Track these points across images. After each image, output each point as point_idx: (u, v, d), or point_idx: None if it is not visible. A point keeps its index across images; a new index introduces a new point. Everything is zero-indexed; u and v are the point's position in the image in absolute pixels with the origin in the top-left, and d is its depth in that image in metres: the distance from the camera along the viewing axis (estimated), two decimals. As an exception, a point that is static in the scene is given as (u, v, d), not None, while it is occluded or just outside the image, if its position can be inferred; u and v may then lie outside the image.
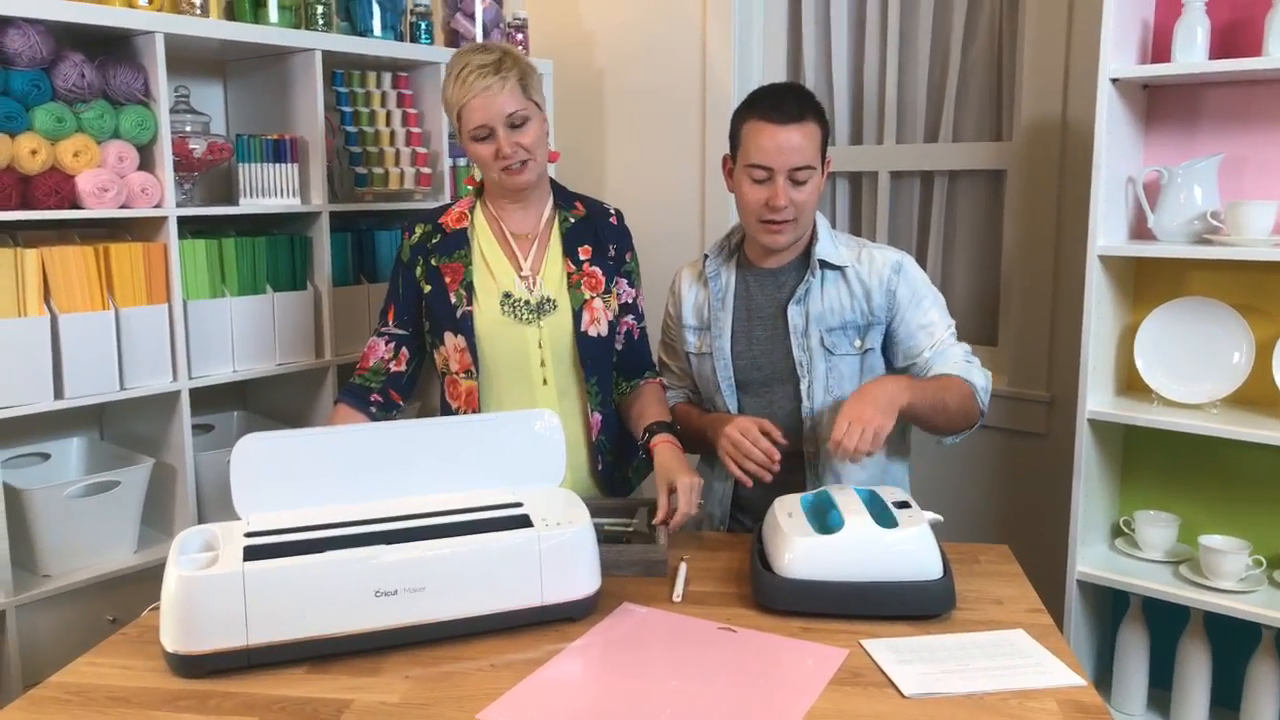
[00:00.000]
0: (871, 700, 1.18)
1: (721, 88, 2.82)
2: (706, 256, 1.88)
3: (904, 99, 2.68)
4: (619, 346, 1.86)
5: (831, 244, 1.80)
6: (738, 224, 1.87)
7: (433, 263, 1.80)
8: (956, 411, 1.71)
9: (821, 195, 1.81)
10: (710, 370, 1.84)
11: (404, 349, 1.85)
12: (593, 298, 1.79)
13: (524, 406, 1.77)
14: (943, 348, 1.76)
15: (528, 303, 1.77)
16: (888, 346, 1.80)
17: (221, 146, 2.24)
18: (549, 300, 1.78)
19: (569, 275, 1.79)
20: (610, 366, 1.85)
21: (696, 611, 1.42)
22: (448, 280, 1.79)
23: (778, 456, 1.64)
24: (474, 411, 1.79)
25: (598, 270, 1.81)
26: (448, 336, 1.79)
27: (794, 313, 1.78)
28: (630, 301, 1.87)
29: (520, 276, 1.79)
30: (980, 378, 1.75)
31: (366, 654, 1.28)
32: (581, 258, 1.81)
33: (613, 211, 1.89)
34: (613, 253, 1.84)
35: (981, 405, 1.75)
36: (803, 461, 1.80)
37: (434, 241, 1.82)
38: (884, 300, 1.77)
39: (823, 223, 1.83)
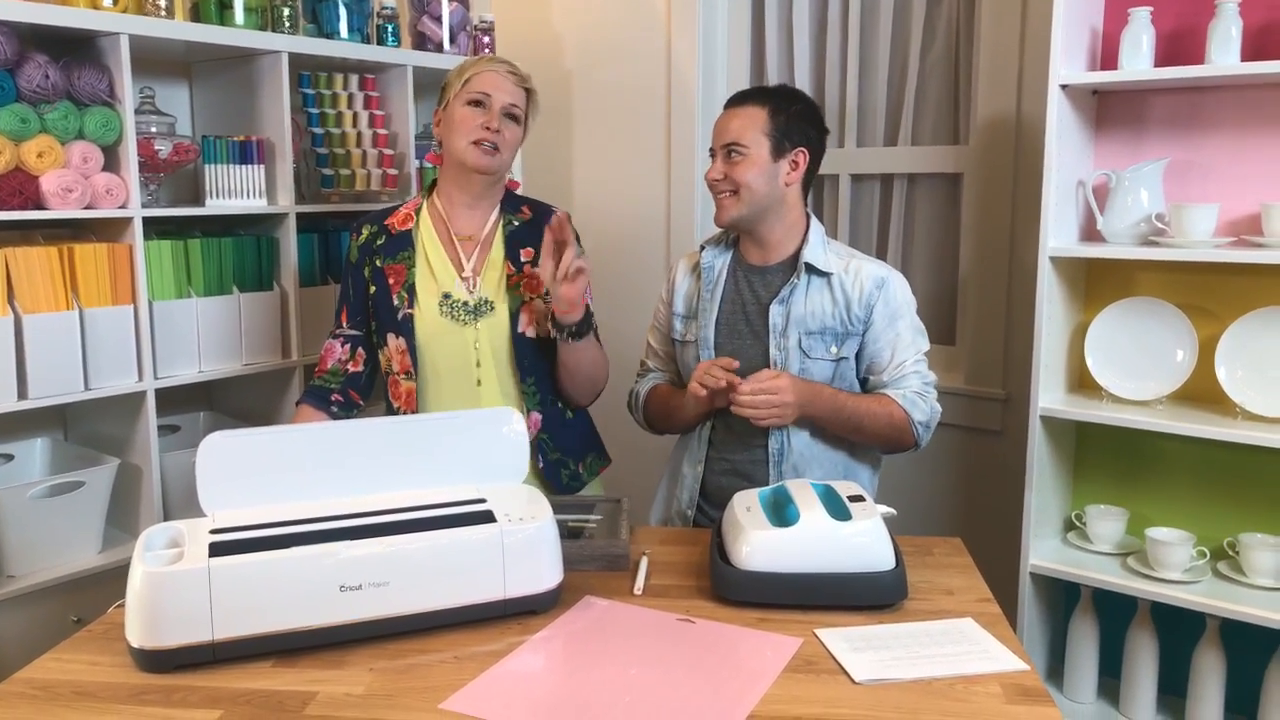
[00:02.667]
0: (824, 686, 1.22)
1: (686, 90, 2.86)
2: (703, 247, 1.93)
3: (864, 103, 2.73)
4: None
5: (822, 250, 1.85)
6: None
7: (377, 263, 1.83)
8: (875, 437, 1.82)
9: (795, 194, 1.85)
10: (693, 358, 1.89)
11: (360, 349, 1.87)
12: (532, 299, 1.82)
13: (462, 407, 1.79)
14: (902, 373, 1.82)
15: (465, 304, 1.81)
16: (857, 355, 1.85)
17: (187, 148, 2.25)
18: (486, 302, 1.81)
19: (508, 277, 1.83)
20: (551, 366, 1.86)
21: (657, 604, 1.45)
22: (391, 282, 1.82)
23: (736, 365, 1.76)
24: (413, 412, 1.82)
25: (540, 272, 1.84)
26: (390, 338, 1.83)
27: (775, 312, 1.83)
28: None
29: (461, 278, 1.82)
30: (922, 412, 1.81)
31: (332, 647, 1.30)
32: (523, 260, 1.84)
33: (559, 213, 1.92)
34: None
35: (918, 437, 1.82)
36: (767, 455, 1.84)
37: (379, 243, 1.85)
38: (862, 312, 1.81)
39: (817, 229, 1.88)
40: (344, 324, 1.88)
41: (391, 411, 1.87)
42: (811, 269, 1.83)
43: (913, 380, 1.82)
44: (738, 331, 1.87)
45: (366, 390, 1.89)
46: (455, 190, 1.85)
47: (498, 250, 1.85)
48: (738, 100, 1.85)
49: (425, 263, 1.83)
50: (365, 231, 1.87)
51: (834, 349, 1.82)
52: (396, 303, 1.81)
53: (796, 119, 1.82)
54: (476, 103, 1.77)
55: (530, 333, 1.82)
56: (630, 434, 2.15)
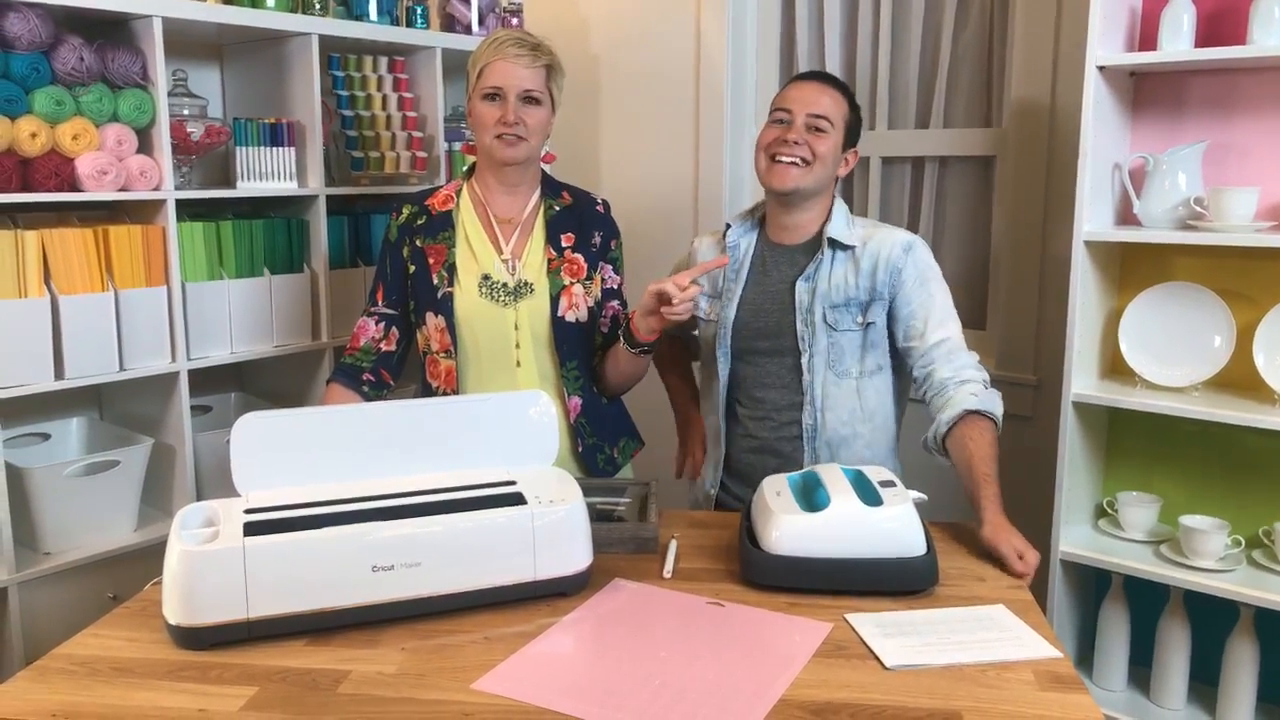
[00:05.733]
0: (855, 671, 1.22)
1: (715, 73, 2.84)
2: (729, 226, 1.92)
3: (896, 85, 2.70)
4: (604, 330, 1.89)
5: (845, 225, 1.85)
6: (762, 199, 1.92)
7: (418, 243, 1.84)
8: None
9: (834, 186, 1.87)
10: (713, 335, 1.89)
11: (394, 329, 1.88)
12: (572, 284, 1.82)
13: (501, 387, 1.81)
14: (949, 349, 1.75)
15: (505, 285, 1.81)
16: (890, 323, 1.82)
17: (219, 130, 2.26)
18: (527, 284, 1.81)
19: (549, 261, 1.83)
20: (591, 352, 1.88)
21: (686, 587, 1.45)
22: (431, 261, 1.82)
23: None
24: (453, 391, 1.83)
25: (580, 257, 1.85)
26: (429, 317, 1.83)
27: (801, 289, 1.82)
28: (615, 288, 1.91)
29: (501, 259, 1.82)
30: (999, 405, 1.73)
31: (364, 627, 1.32)
32: (564, 245, 1.85)
33: (599, 201, 1.93)
34: (597, 240, 1.87)
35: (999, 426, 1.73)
36: (800, 429, 1.84)
37: (419, 222, 1.85)
38: (887, 276, 1.79)
39: (840, 206, 1.87)
40: (379, 302, 1.88)
41: (429, 391, 1.88)
42: (835, 243, 1.82)
43: (965, 362, 1.74)
44: (762, 311, 1.86)
45: (398, 370, 1.90)
46: (491, 179, 1.85)
47: (538, 234, 1.85)
48: (825, 79, 1.85)
49: (465, 243, 1.84)
50: (406, 211, 1.87)
51: (860, 318, 1.80)
52: (436, 281, 1.81)
53: (859, 123, 1.88)
54: (492, 96, 1.76)
55: (570, 317, 1.83)
56: (660, 417, 2.15)
